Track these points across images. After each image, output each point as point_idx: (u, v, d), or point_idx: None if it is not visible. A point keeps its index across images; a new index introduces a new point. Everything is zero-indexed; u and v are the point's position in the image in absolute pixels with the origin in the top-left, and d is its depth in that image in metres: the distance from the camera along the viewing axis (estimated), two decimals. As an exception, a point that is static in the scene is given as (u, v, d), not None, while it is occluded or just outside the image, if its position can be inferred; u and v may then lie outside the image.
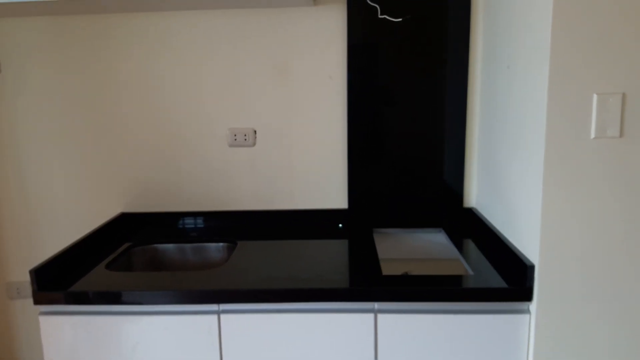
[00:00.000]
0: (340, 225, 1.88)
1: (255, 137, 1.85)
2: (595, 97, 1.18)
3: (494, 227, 1.59)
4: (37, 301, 1.39)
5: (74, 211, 1.93)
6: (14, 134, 1.88)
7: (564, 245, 1.25)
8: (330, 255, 1.58)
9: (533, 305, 1.30)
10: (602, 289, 1.26)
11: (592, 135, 1.20)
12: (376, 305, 1.36)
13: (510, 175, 1.46)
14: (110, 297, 1.37)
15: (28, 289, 1.97)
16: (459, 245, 1.65)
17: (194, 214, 1.91)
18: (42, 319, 1.40)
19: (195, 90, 1.83)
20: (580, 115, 1.19)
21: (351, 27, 1.73)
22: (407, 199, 1.85)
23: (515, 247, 1.40)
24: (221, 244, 1.77)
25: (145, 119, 1.86)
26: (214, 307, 1.38)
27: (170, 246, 1.78)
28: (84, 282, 1.43)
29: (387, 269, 1.77)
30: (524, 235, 1.35)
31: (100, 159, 1.89)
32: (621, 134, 1.19)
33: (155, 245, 1.77)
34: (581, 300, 1.27)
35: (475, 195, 1.84)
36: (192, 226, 1.91)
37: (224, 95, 1.83)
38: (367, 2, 1.71)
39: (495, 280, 1.36)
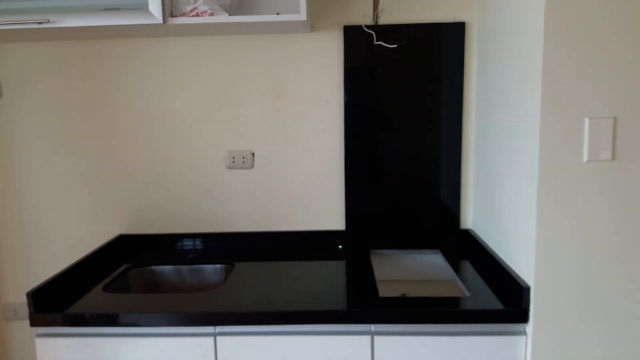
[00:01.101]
0: (340, 246, 1.88)
1: (254, 160, 1.87)
2: (587, 121, 1.20)
3: (490, 249, 1.60)
4: (34, 323, 1.39)
5: (72, 233, 1.93)
6: (12, 156, 1.90)
7: (560, 266, 1.26)
8: (327, 277, 1.59)
9: (529, 327, 1.30)
10: (598, 310, 1.26)
11: (585, 159, 1.21)
12: (373, 327, 1.36)
13: (506, 198, 1.47)
14: (107, 319, 1.37)
15: (25, 310, 1.97)
16: (456, 267, 1.65)
17: (192, 236, 1.91)
18: (39, 341, 1.40)
19: (193, 112, 1.85)
20: (572, 139, 1.21)
21: (348, 52, 1.77)
22: (404, 221, 1.86)
23: (511, 269, 1.41)
24: (218, 265, 1.77)
25: (143, 141, 1.88)
26: (210, 329, 1.38)
27: (167, 268, 1.78)
28: (81, 304, 1.43)
29: (384, 291, 1.78)
30: (520, 256, 1.36)
31: (98, 181, 1.90)
32: (613, 157, 1.21)
33: (153, 267, 1.77)
34: (577, 321, 1.27)
35: (471, 217, 1.85)
36: (190, 248, 1.92)
37: (222, 118, 1.85)
38: (363, 29, 1.75)
39: (492, 302, 1.36)
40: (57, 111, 1.87)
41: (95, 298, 1.48)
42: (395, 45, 1.75)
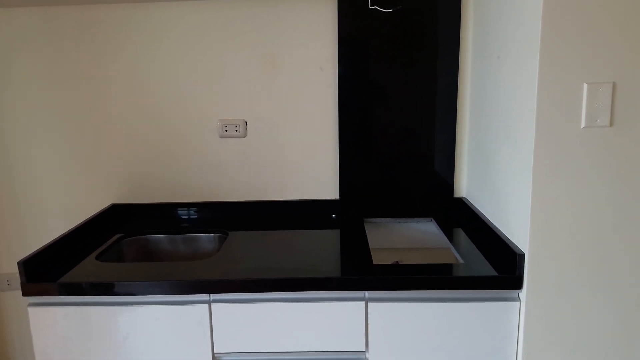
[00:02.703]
0: (334, 215, 1.88)
1: (247, 128, 1.84)
2: (585, 86, 1.18)
3: (484, 216, 1.60)
4: (26, 292, 1.38)
5: (64, 203, 1.92)
6: (2, 126, 1.86)
7: (554, 233, 1.26)
8: (322, 245, 1.59)
9: (523, 293, 1.31)
10: (591, 276, 1.27)
11: (582, 125, 1.20)
12: (367, 293, 1.37)
13: (500, 165, 1.46)
14: (101, 288, 1.36)
15: (18, 280, 1.96)
16: (450, 235, 1.66)
17: (185, 205, 1.90)
18: (31, 311, 1.39)
19: (185, 81, 1.82)
20: (570, 104, 1.20)
21: (342, 18, 1.73)
22: (398, 189, 1.85)
23: (505, 236, 1.41)
24: (212, 234, 1.77)
25: (135, 110, 1.84)
26: (205, 297, 1.38)
27: (161, 237, 1.77)
28: (74, 273, 1.43)
29: (378, 259, 1.78)
30: (514, 223, 1.36)
31: (91, 150, 1.88)
32: (611, 123, 1.20)
33: (146, 236, 1.77)
34: (571, 287, 1.28)
35: (465, 185, 1.84)
36: (184, 217, 1.91)
37: (214, 86, 1.82)
38: (358, -8, 1.71)
39: (486, 269, 1.37)
40: (48, 80, 1.83)
41: (89, 267, 1.47)
42: (390, 10, 1.71)
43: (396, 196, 1.86)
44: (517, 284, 1.31)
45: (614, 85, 1.18)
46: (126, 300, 1.39)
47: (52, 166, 1.89)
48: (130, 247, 1.74)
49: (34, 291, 1.38)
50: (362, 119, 1.80)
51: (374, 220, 1.85)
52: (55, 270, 1.44)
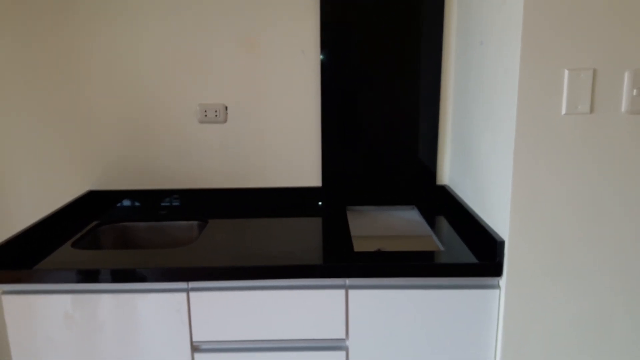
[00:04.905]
0: (320, 203, 1.86)
1: (227, 114, 1.81)
2: (566, 72, 1.18)
3: (466, 204, 1.60)
4: (0, 280, 1.35)
5: (40, 190, 1.87)
6: (-26, 109, 1.81)
7: (534, 220, 1.25)
8: (303, 233, 1.57)
9: (503, 281, 1.31)
10: (571, 265, 1.27)
11: (563, 111, 1.20)
12: (347, 281, 1.36)
13: (482, 152, 1.46)
14: (77, 276, 1.34)
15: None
16: (431, 222, 1.65)
17: (164, 192, 1.87)
18: (5, 299, 1.36)
19: (163, 64, 1.78)
20: (551, 91, 1.19)
21: (324, 1, 1.70)
22: (380, 177, 1.84)
23: (486, 223, 1.41)
24: (192, 222, 1.74)
25: (112, 94, 1.80)
26: (183, 284, 1.36)
27: (139, 224, 1.74)
28: (50, 260, 1.40)
29: (360, 246, 1.78)
30: (495, 211, 1.36)
31: (67, 136, 1.83)
32: (591, 110, 1.20)
33: (124, 223, 1.74)
34: (550, 275, 1.28)
35: (448, 173, 1.84)
36: (162, 204, 1.88)
37: (193, 69, 1.78)
38: (340, -25, 1.68)
39: (466, 256, 1.37)
40: (21, 62, 1.77)
41: (64, 254, 1.44)
42: (373, -6, 1.69)
43: (379, 184, 1.84)
44: (497, 271, 1.31)
45: (595, 72, 1.18)
46: (103, 288, 1.36)
47: (26, 151, 1.84)
48: (108, 234, 1.71)
49: (8, 279, 1.35)
50: (345, 105, 1.78)
51: (356, 208, 1.84)
52: (30, 258, 1.41)
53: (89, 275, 1.33)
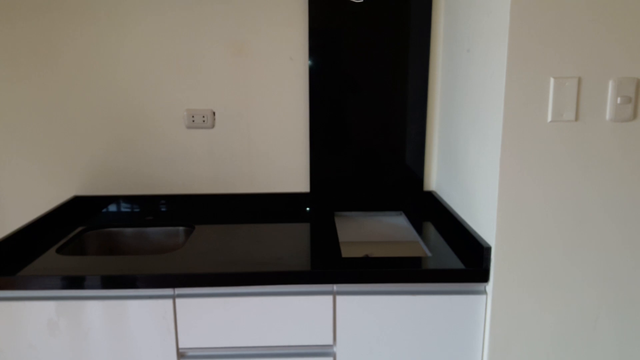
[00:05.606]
0: (308, 209, 1.86)
1: (214, 119, 1.81)
2: (552, 81, 1.19)
3: (453, 210, 1.60)
4: (-18, 287, 1.33)
5: (24, 194, 1.85)
6: (-43, 113, 1.79)
7: (520, 227, 1.26)
8: (290, 239, 1.57)
9: (489, 286, 1.32)
10: (557, 270, 1.28)
11: (549, 119, 1.21)
12: (335, 287, 1.35)
13: (469, 159, 1.46)
14: (61, 282, 1.32)
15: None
16: (419, 228, 1.66)
17: (151, 198, 1.85)
18: (-12, 306, 1.34)
19: (150, 69, 1.77)
20: (537, 99, 1.20)
21: (312, 7, 1.70)
22: (368, 183, 1.84)
23: (473, 229, 1.42)
24: (178, 227, 1.73)
25: (99, 98, 1.79)
26: (169, 291, 1.35)
27: (125, 230, 1.73)
28: (34, 266, 1.38)
29: (347, 252, 1.78)
30: (481, 217, 1.36)
31: (52, 140, 1.81)
32: (577, 118, 1.21)
33: (110, 229, 1.72)
34: (536, 281, 1.29)
35: (435, 179, 1.85)
36: (148, 210, 1.86)
37: (181, 74, 1.77)
38: (328, -19, 1.68)
39: (453, 262, 1.37)
40: (3, 68, 1.75)
41: (49, 261, 1.42)
42: (361, 0, 1.69)
43: (367, 190, 1.85)
44: (483, 277, 1.32)
45: (580, 80, 1.19)
46: (88, 295, 1.34)
47: (10, 155, 1.82)
48: (93, 240, 1.69)
49: (-10, 285, 1.33)
50: (333, 111, 1.78)
51: (344, 213, 1.84)
52: (14, 264, 1.39)
53: (73, 282, 1.32)
